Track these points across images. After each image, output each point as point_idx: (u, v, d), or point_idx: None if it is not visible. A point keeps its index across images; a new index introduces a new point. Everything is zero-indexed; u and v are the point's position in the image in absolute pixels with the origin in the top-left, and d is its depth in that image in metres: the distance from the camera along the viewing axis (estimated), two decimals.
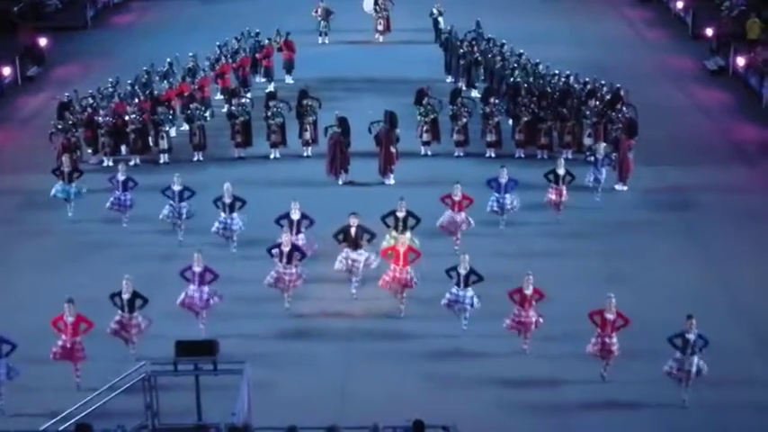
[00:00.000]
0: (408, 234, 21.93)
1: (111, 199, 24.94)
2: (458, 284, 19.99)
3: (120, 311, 19.20)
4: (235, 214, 23.21)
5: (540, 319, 19.33)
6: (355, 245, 21.47)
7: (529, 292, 19.17)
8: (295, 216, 22.18)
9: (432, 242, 22.57)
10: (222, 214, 23.23)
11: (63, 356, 18.54)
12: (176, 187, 23.88)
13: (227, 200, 23.13)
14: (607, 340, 18.41)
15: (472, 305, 19.97)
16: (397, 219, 22.14)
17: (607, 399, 18.23)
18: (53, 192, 25.47)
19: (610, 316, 18.37)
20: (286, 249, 20.84)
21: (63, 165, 25.63)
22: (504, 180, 24.04)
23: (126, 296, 19.17)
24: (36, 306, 20.53)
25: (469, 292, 19.96)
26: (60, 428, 15.34)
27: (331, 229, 21.85)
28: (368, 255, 21.59)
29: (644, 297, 21.02)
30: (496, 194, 24.10)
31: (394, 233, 21.98)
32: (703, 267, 23.07)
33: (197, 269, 20.10)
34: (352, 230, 21.46)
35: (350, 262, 21.51)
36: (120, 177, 24.90)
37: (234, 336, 19.54)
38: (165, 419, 16.38)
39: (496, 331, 19.50)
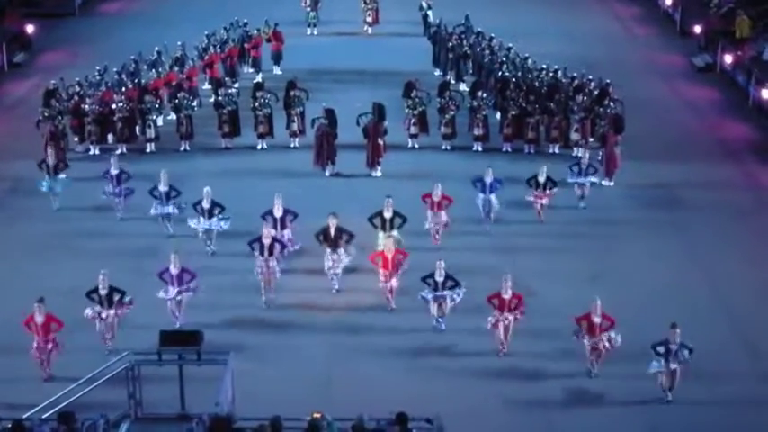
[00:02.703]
0: (396, 233, 21.89)
1: (107, 189, 24.75)
2: (435, 290, 19.94)
3: (99, 306, 19.16)
4: (213, 220, 22.71)
5: (519, 315, 19.25)
6: (334, 245, 21.39)
7: (507, 296, 19.09)
8: (278, 213, 22.08)
9: (417, 237, 22.53)
10: (201, 219, 22.77)
11: (41, 355, 18.47)
12: (162, 188, 23.60)
13: (206, 205, 22.66)
14: (596, 340, 18.42)
15: (453, 299, 19.96)
16: (383, 219, 22.07)
17: (590, 395, 18.28)
18: (43, 187, 25.24)
19: (597, 319, 18.40)
20: (267, 242, 20.81)
21: (48, 157, 25.38)
22: (489, 180, 23.87)
23: (103, 291, 19.13)
24: (18, 294, 20.40)
25: (447, 291, 19.93)
26: (43, 417, 15.29)
27: (317, 220, 21.80)
28: (344, 256, 21.47)
29: (628, 294, 21.05)
30: (481, 195, 23.97)
31: (381, 234, 21.93)
32: (689, 264, 23.11)
33: (174, 271, 20.00)
34: (331, 231, 21.37)
35: (330, 262, 21.44)
36: (114, 172, 24.68)
37: (218, 326, 19.54)
38: (148, 409, 16.35)
39: (480, 326, 19.49)
